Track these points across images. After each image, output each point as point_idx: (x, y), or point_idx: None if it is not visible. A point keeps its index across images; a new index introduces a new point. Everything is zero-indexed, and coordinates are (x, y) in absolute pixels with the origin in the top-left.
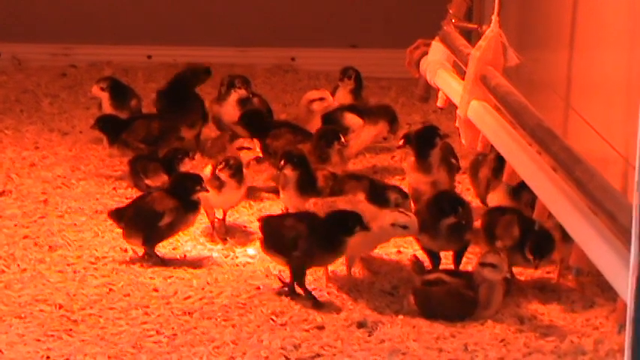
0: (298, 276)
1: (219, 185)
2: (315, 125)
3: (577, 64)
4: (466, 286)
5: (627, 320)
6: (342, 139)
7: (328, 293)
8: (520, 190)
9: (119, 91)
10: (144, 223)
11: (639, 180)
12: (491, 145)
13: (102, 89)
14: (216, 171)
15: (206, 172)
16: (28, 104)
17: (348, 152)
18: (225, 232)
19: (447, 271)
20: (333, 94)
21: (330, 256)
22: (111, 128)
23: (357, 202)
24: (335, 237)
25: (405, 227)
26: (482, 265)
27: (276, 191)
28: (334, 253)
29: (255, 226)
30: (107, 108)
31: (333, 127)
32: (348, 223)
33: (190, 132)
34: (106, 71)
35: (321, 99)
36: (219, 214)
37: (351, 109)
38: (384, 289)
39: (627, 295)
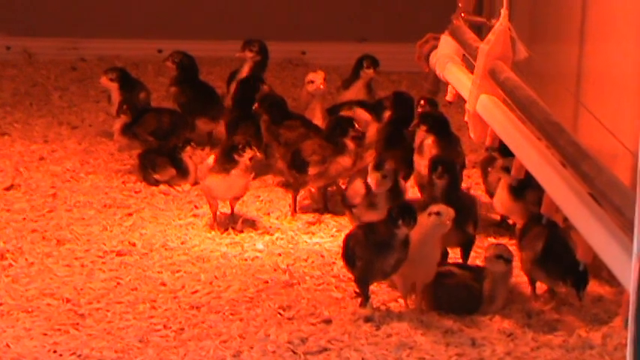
0: (362, 281)
1: (225, 170)
2: (311, 109)
3: (587, 58)
4: (475, 280)
5: (630, 314)
6: (356, 126)
7: (336, 287)
8: (524, 189)
9: (128, 83)
10: None
11: None
12: (500, 142)
13: (111, 80)
14: (239, 152)
15: (209, 161)
16: (37, 98)
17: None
18: (234, 222)
19: (457, 265)
20: (345, 87)
21: (387, 256)
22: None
23: None
24: (386, 231)
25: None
26: (488, 258)
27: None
28: (390, 252)
29: (264, 220)
30: (116, 99)
31: (345, 116)
32: (393, 213)
33: (210, 125)
34: (115, 65)
35: (311, 82)
36: (226, 209)
37: (360, 104)
38: (392, 284)
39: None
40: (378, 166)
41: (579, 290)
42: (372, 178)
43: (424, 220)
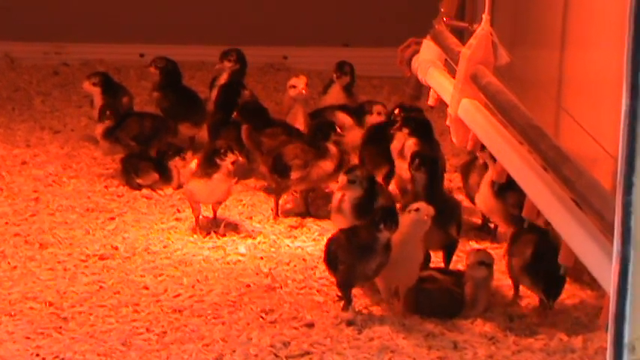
0: (344, 285)
1: (208, 175)
2: (294, 114)
3: (568, 63)
4: (457, 284)
5: (610, 317)
6: (338, 130)
7: (318, 291)
8: (505, 190)
9: (111, 87)
10: None
11: (622, 172)
12: (481, 146)
13: (93, 84)
14: (220, 156)
15: (192, 165)
16: (19, 102)
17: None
18: (216, 226)
19: (439, 269)
20: (325, 91)
21: (369, 260)
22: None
23: None
24: (368, 235)
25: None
26: (470, 265)
27: (266, 189)
28: (372, 255)
29: (246, 224)
30: (99, 104)
31: (326, 120)
32: (375, 216)
33: (192, 130)
34: (98, 69)
35: (293, 87)
36: (208, 213)
37: (342, 108)
38: (374, 287)
39: (610, 291)
40: (348, 170)
41: (550, 298)
42: (339, 180)
43: (404, 218)
